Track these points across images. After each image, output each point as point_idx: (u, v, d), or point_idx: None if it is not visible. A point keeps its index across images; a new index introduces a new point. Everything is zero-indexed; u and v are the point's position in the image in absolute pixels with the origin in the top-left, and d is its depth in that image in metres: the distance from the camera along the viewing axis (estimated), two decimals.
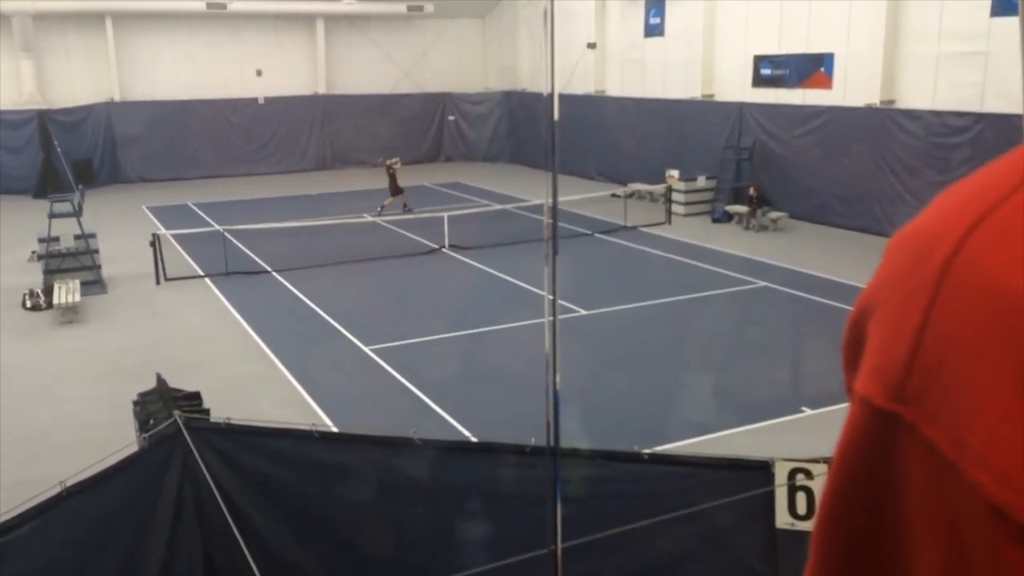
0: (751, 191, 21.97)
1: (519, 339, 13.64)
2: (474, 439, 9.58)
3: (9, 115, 29.16)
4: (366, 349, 13.15)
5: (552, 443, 3.02)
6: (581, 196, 25.09)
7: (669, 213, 22.60)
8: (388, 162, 24.83)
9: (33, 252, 19.06)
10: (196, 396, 5.20)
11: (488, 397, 11.35)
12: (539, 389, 12.30)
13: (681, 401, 11.03)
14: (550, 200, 3.09)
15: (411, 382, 11.69)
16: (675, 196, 23.25)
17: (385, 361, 12.56)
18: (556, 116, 2.88)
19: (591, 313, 14.84)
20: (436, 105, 35.80)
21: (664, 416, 10.41)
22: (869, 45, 20.58)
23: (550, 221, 3.12)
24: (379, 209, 24.22)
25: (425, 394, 11.23)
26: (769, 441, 9.76)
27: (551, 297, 2.92)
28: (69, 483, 4.12)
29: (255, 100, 32.88)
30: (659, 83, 26.91)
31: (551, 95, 2.82)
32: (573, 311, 14.96)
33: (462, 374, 12.25)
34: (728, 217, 22.48)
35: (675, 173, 23.83)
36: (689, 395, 10.83)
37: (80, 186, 20.97)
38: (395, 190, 24.34)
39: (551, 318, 2.92)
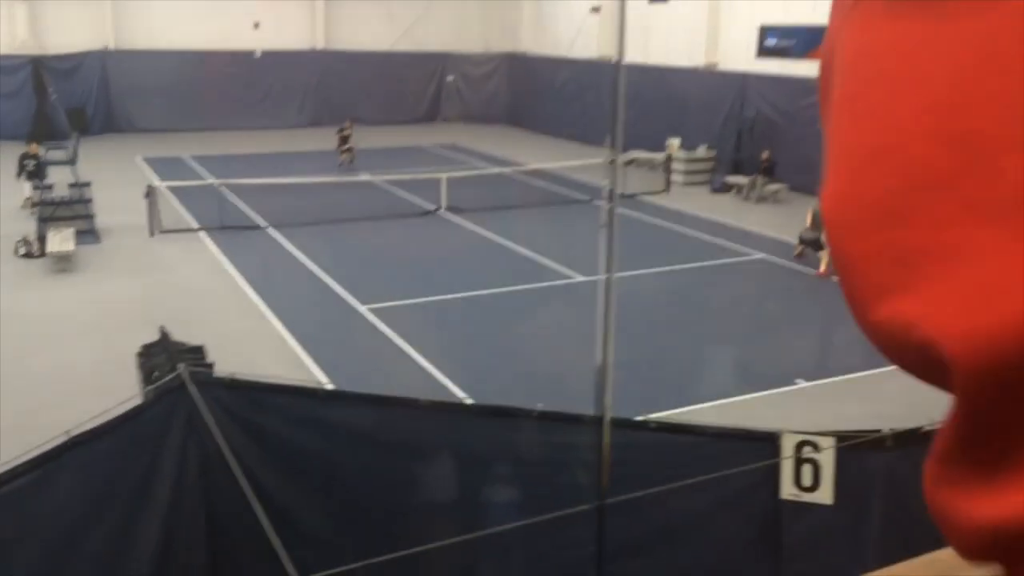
0: (764, 156, 21.78)
1: (515, 304, 13.64)
2: (469, 401, 9.61)
3: (2, 60, 28.70)
4: (361, 308, 13.12)
5: (602, 409, 3.01)
6: (580, 162, 24.97)
7: (668, 182, 22.52)
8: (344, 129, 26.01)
9: (27, 199, 18.89)
10: (200, 350, 5.17)
11: (482, 360, 11.36)
12: (532, 353, 12.35)
13: (673, 370, 11.05)
14: (610, 184, 3.04)
15: (406, 342, 11.68)
16: (675, 165, 23.16)
17: (380, 320, 12.54)
18: (622, 90, 2.81)
19: (587, 279, 14.82)
20: (435, 65, 35.40)
21: (656, 384, 10.44)
22: None
23: (608, 205, 3.07)
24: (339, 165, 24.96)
25: (420, 354, 11.24)
26: (763, 412, 9.82)
27: (605, 275, 2.89)
28: (74, 432, 4.11)
29: (251, 53, 32.44)
30: (662, 51, 26.62)
31: (618, 65, 2.76)
32: (569, 277, 14.96)
33: (458, 336, 12.25)
34: (727, 188, 22.42)
35: (676, 142, 23.69)
36: (681, 364, 10.86)
37: (75, 134, 20.72)
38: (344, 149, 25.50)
39: (604, 296, 2.89)
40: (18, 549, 4.05)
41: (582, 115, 30.46)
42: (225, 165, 24.19)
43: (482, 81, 35.95)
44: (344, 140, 25.61)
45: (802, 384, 10.64)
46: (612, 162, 3.07)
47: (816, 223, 15.63)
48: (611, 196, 3.04)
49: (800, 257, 16.11)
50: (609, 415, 3.21)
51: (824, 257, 15.28)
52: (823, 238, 15.45)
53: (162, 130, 30.81)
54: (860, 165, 0.39)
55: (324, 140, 30.64)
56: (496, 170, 24.27)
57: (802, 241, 15.98)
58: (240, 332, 12.07)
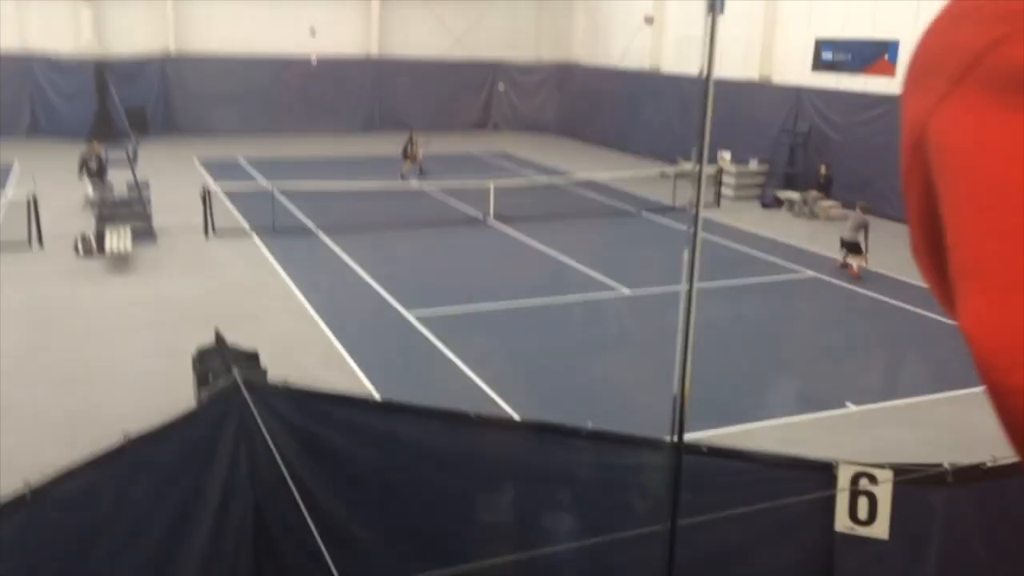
0: (822, 171, 21.53)
1: (560, 315, 13.61)
2: (512, 411, 9.60)
3: (67, 62, 29.54)
4: (408, 314, 13.20)
5: (677, 434, 2.98)
6: (629, 173, 24.88)
7: (718, 196, 22.29)
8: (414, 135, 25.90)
9: (87, 198, 19.37)
10: (255, 356, 5.24)
11: (526, 371, 11.34)
12: (576, 365, 12.30)
13: (719, 389, 10.90)
14: (694, 204, 3.00)
15: (451, 351, 11.71)
16: (725, 179, 22.91)
17: (426, 328, 12.60)
18: (709, 110, 2.78)
19: (634, 293, 14.74)
20: (487, 73, 35.57)
21: (702, 402, 10.27)
22: None
23: (692, 229, 3.03)
24: (400, 176, 24.95)
25: (465, 364, 11.25)
26: (812, 435, 9.64)
27: (686, 289, 2.84)
28: (131, 434, 4.19)
29: (308, 59, 32.94)
30: (716, 62, 26.32)
31: (706, 80, 2.73)
32: (614, 289, 14.88)
33: (502, 346, 12.25)
34: (778, 203, 22.12)
35: (727, 155, 23.44)
36: (728, 383, 10.70)
37: (135, 135, 21.20)
38: (409, 156, 25.39)
39: (685, 320, 2.83)
40: (74, 548, 4.13)
41: (632, 126, 30.33)
42: (279, 169, 24.57)
43: (533, 90, 36.01)
44: (411, 150, 25.66)
45: (851, 408, 10.42)
46: (698, 176, 3.02)
47: (856, 227, 16.15)
48: (695, 220, 3.00)
49: (845, 267, 16.14)
50: (683, 437, 3.17)
51: (859, 261, 15.99)
52: (862, 243, 15.92)
53: (219, 133, 31.41)
54: (1016, 288, 0.35)
55: (376, 146, 30.96)
56: (545, 179, 24.27)
57: (843, 243, 16.26)
58: (289, 335, 12.22)
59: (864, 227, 16.25)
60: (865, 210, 16.75)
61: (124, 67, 30.09)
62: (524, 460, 4.50)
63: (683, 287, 2.98)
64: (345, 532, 4.56)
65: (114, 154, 19.50)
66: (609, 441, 4.32)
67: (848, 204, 21.59)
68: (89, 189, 19.42)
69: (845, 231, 16.39)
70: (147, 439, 4.27)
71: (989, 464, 3.91)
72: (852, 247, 16.17)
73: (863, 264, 16.07)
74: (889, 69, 21.33)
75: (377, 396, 4.63)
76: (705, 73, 2.84)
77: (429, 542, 4.45)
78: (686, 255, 3.01)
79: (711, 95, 2.83)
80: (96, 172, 19.40)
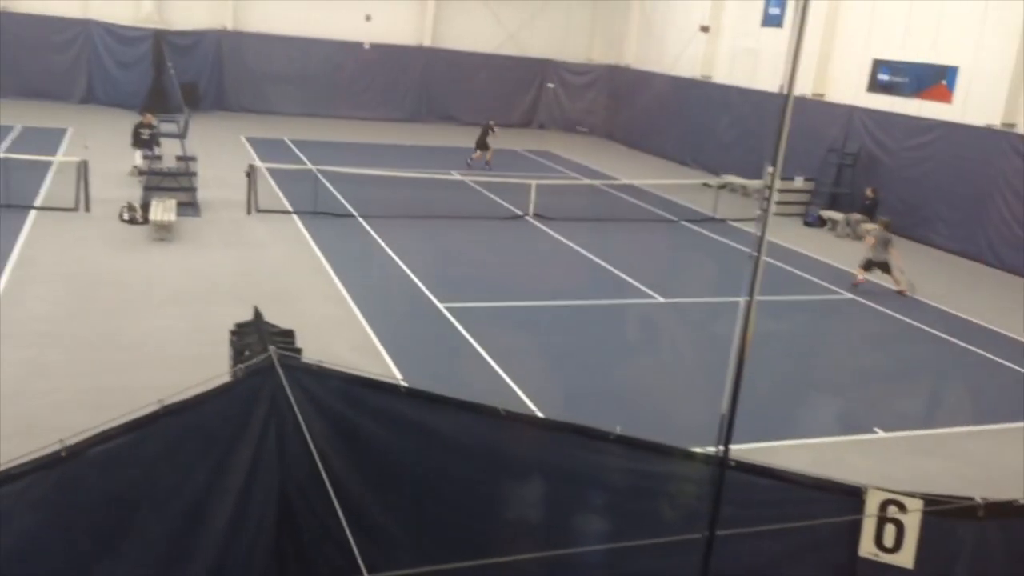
0: (868, 192, 21.28)
1: (593, 318, 13.58)
2: (537, 410, 9.60)
3: (126, 31, 30.04)
4: (440, 306, 13.26)
5: (723, 445, 2.96)
6: (672, 181, 24.74)
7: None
8: (492, 122, 26.64)
9: (135, 167, 19.71)
10: (290, 334, 5.30)
11: (554, 370, 11.33)
12: (604, 369, 12.25)
13: (750, 404, 10.81)
14: (764, 213, 2.98)
15: (481, 345, 11.74)
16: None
17: (457, 320, 12.65)
18: (787, 122, 2.76)
19: (669, 301, 14.67)
20: (536, 71, 35.55)
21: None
22: (998, 62, 19.59)
23: (758, 234, 3.00)
24: (467, 163, 25.66)
25: (494, 359, 11.27)
26: (839, 458, 9.53)
27: (746, 307, 2.82)
28: (167, 401, 4.26)
29: (361, 45, 33.17)
30: (769, 75, 26.09)
31: (787, 95, 2.71)
32: (651, 296, 14.81)
33: (532, 344, 12.25)
34: (821, 222, 21.85)
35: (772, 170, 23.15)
36: (759, 399, 10.60)
37: (187, 109, 21.51)
38: (482, 146, 25.96)
39: (741, 333, 2.81)
40: (103, 508, 4.22)
41: (679, 134, 30.13)
42: (323, 151, 24.79)
43: (582, 91, 35.92)
44: (485, 135, 26.22)
45: (880, 434, 10.28)
46: (768, 188, 3.00)
47: (883, 245, 16.30)
48: (761, 240, 2.97)
49: (859, 284, 16.40)
50: (729, 449, 3.15)
51: (896, 278, 16.23)
52: (891, 260, 15.82)
53: (267, 112, 31.76)
54: None
55: (421, 135, 31.12)
56: (587, 181, 24.22)
57: (872, 264, 16.37)
58: (321, 316, 12.34)
59: (888, 243, 16.37)
60: (887, 227, 16.78)
61: (181, 39, 30.52)
62: (551, 460, 4.51)
63: (742, 302, 2.96)
64: (368, 517, 4.60)
65: (165, 126, 19.80)
66: (637, 447, 4.31)
67: (892, 229, 21.25)
68: (139, 159, 19.75)
69: (870, 251, 16.42)
70: (181, 408, 4.34)
71: (1022, 501, 3.84)
72: (883, 266, 16.26)
73: (899, 280, 16.26)
74: (946, 95, 20.96)
75: (405, 384, 4.66)
76: (786, 89, 2.81)
77: (452, 534, 4.47)
78: (747, 276, 2.98)
79: (789, 111, 2.80)
80: (147, 142, 19.72)
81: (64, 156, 19.70)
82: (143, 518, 4.40)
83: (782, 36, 26.32)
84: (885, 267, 16.24)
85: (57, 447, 3.92)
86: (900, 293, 16.13)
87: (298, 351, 4.96)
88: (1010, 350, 13.67)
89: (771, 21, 26.99)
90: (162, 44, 29.72)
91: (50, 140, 22.51)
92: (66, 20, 29.59)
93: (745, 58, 27.90)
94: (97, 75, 30.38)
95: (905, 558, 3.92)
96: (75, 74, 30.28)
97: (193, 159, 18.33)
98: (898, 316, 14.99)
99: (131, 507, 4.34)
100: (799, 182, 22.99)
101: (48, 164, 18.86)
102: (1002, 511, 3.97)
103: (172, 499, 4.51)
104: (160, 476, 4.38)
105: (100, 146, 21.32)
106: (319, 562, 4.86)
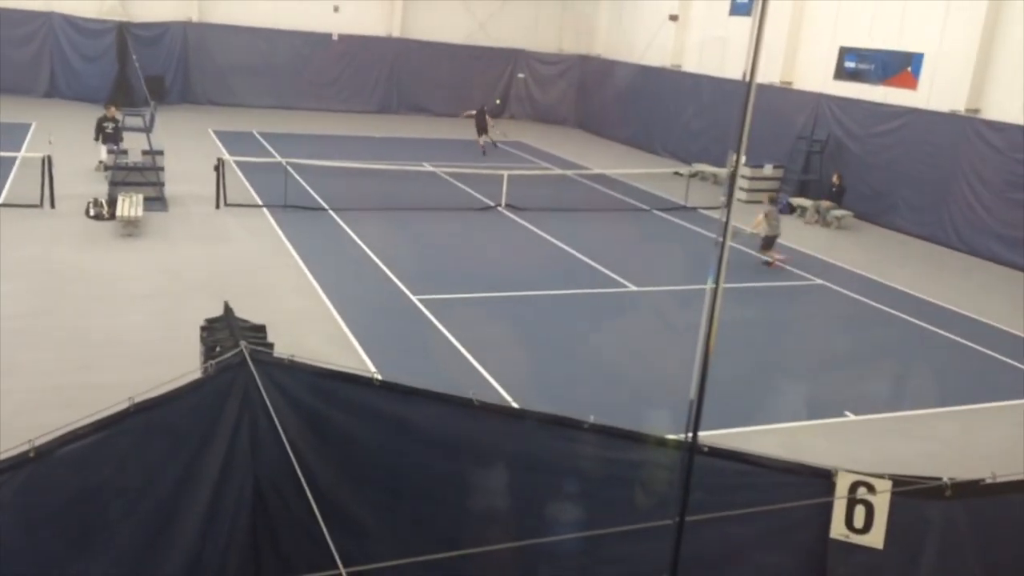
0: (835, 179, 21.52)
1: (565, 307, 13.61)
2: (511, 400, 9.62)
3: (89, 23, 29.54)
4: (413, 298, 13.23)
5: (692, 430, 2.98)
6: (643, 170, 24.84)
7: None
8: (485, 106, 28.14)
9: (100, 162, 19.41)
10: (262, 329, 5.26)
11: (527, 360, 11.35)
12: (575, 359, 12.29)
13: (719, 390, 10.91)
14: (725, 208, 3.00)
15: (454, 336, 11.74)
16: (739, 182, 22.83)
17: (430, 312, 12.63)
18: (749, 113, 2.77)
19: (641, 290, 14.74)
20: (507, 61, 35.47)
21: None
22: (962, 49, 19.86)
23: (720, 240, 3.02)
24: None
25: (467, 350, 11.28)
26: (810, 442, 9.66)
27: (712, 297, 2.83)
28: (138, 399, 4.22)
29: (329, 36, 32.88)
30: (738, 64, 26.20)
31: (750, 83, 2.72)
32: (623, 285, 14.88)
33: (505, 335, 12.26)
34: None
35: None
36: (728, 385, 10.70)
37: (153, 102, 21.21)
38: (482, 130, 27.20)
39: (708, 319, 2.83)
40: (74, 508, 4.17)
41: (649, 123, 30.25)
42: (292, 144, 24.58)
43: (552, 81, 35.90)
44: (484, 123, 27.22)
45: (850, 417, 10.43)
46: (733, 175, 3.02)
47: (777, 221, 16.98)
48: (725, 227, 2.99)
49: (772, 265, 16.85)
50: (697, 433, 3.18)
51: (769, 255, 16.89)
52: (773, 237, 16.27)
53: (235, 105, 31.40)
54: None
55: (391, 126, 30.95)
56: (558, 171, 24.24)
57: (772, 239, 16.96)
58: (293, 310, 12.26)
59: (777, 219, 17.12)
60: (772, 201, 17.59)
61: (146, 31, 30.06)
62: (525, 449, 4.52)
63: (708, 288, 2.98)
64: (343, 510, 4.59)
65: (130, 120, 19.51)
66: (610, 435, 4.34)
67: (860, 215, 21.58)
68: (104, 153, 19.46)
69: (767, 229, 16.83)
70: (152, 405, 4.30)
71: (988, 480, 3.92)
72: (769, 241, 16.92)
73: (779, 255, 16.93)
74: (911, 82, 21.21)
75: (378, 376, 4.65)
76: (748, 77, 2.83)
77: (427, 525, 4.48)
78: (713, 262, 3.00)
79: (752, 99, 2.82)
80: (111, 136, 19.43)
81: (28, 152, 19.36)
82: (115, 517, 4.36)
83: (750, 25, 26.44)
84: (772, 242, 16.88)
85: (26, 447, 3.87)
86: (772, 265, 16.72)
87: (270, 346, 4.93)
88: (976, 332, 13.91)
89: (739, 10, 27.13)
90: (126, 36, 29.27)
91: (13, 135, 22.11)
92: (28, 12, 29.04)
93: (714, 47, 28.05)
94: (60, 69, 29.86)
95: (875, 539, 3.98)
96: (38, 68, 29.74)
97: (160, 153, 18.09)
98: (867, 301, 15.19)
99: (103, 506, 4.30)
100: (768, 169, 23.18)
101: (12, 160, 18.52)
102: (969, 491, 4.05)
103: (144, 497, 4.47)
104: (132, 474, 4.34)
105: (65, 141, 20.97)
106: (295, 556, 4.85)
